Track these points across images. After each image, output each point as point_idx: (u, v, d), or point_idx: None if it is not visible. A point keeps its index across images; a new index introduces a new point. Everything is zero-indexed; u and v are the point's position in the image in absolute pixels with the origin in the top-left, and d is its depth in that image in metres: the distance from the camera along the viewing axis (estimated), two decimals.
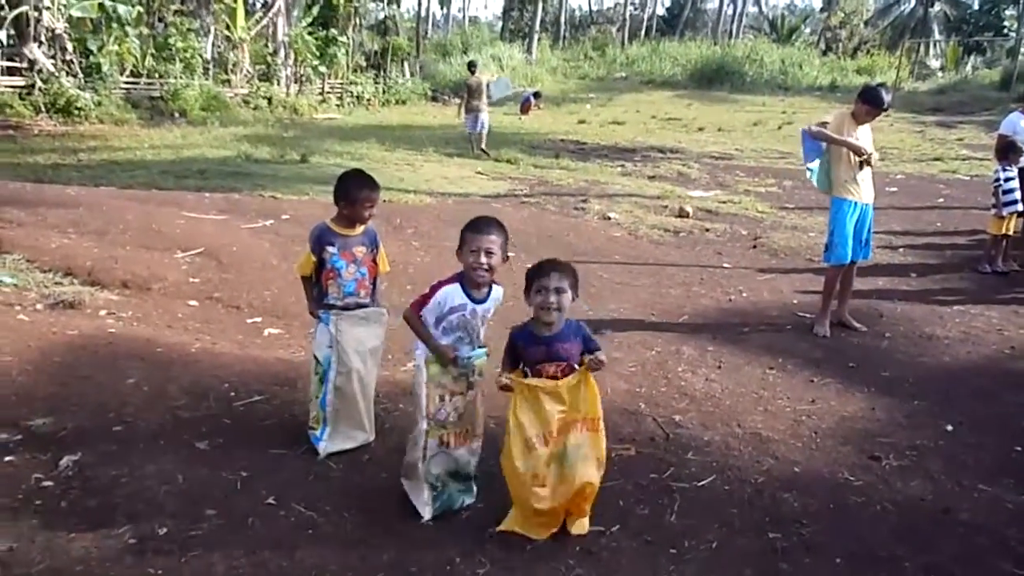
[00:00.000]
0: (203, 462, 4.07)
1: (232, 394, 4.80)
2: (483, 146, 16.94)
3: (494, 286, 3.61)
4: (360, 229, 4.19)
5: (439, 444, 3.66)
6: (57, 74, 18.17)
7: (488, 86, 18.34)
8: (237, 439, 4.31)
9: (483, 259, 3.42)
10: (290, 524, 3.60)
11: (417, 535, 3.53)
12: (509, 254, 3.62)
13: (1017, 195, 8.30)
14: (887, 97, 6.17)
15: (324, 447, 4.17)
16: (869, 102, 6.18)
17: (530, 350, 3.46)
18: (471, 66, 18.10)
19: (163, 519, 3.58)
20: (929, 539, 3.65)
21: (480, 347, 3.67)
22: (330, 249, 4.09)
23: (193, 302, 6.54)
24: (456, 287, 3.56)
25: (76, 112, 17.77)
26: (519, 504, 3.53)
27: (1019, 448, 4.59)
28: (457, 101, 25.07)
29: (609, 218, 10.64)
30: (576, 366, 3.44)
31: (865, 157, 6.16)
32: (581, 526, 3.57)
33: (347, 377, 4.12)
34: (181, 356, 5.24)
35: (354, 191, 4.09)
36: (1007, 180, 8.34)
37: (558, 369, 3.43)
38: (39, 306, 6.00)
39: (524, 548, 3.46)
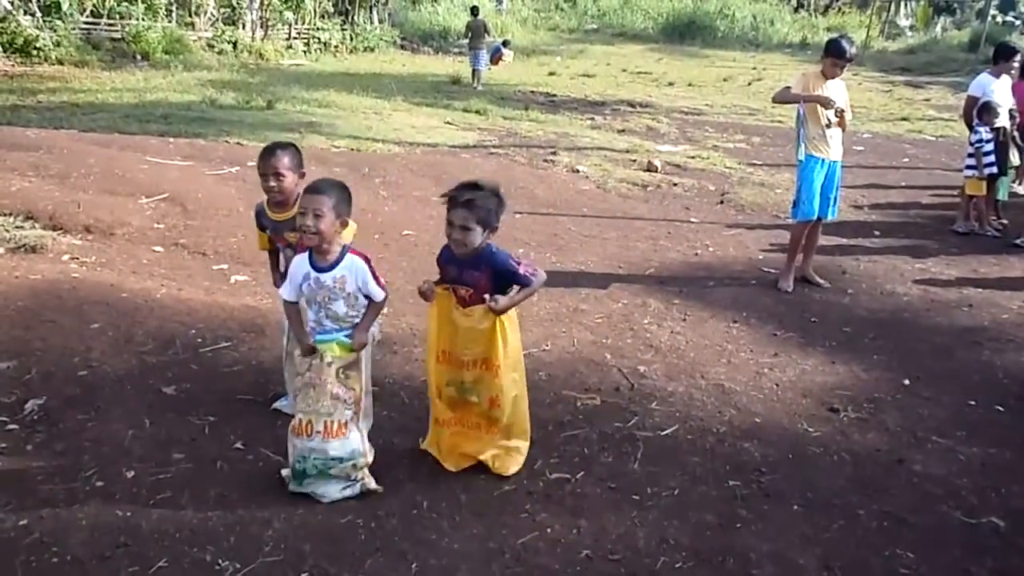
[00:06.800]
0: (170, 407, 4.09)
1: (199, 340, 4.79)
2: (479, 85, 18.62)
3: (348, 255, 3.39)
4: (291, 212, 3.72)
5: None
6: (14, 12, 17.62)
7: (487, 27, 19.59)
8: (204, 385, 4.32)
9: (309, 221, 3.24)
10: (258, 468, 3.63)
11: (385, 480, 3.57)
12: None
13: (993, 157, 8.34)
14: (848, 46, 6.20)
15: (279, 403, 4.11)
16: (831, 53, 6.24)
17: (446, 268, 3.57)
18: (474, 10, 20.25)
19: (130, 462, 3.60)
20: (883, 488, 3.76)
21: (340, 330, 3.44)
22: (267, 232, 3.94)
23: (158, 248, 6.47)
24: (305, 256, 3.42)
25: (35, 52, 17.25)
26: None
27: (972, 403, 4.71)
28: (428, 49, 25.17)
29: (578, 171, 10.62)
30: (486, 296, 3.46)
31: (834, 109, 6.19)
32: (502, 466, 3.68)
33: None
34: (147, 302, 5.21)
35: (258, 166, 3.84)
36: (988, 142, 8.37)
37: (467, 293, 3.51)
38: (0, 250, 5.91)
39: (490, 494, 3.52)
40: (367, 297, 3.46)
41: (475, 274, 3.48)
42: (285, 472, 3.52)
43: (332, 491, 3.44)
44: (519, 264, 3.52)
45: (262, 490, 3.46)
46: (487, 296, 3.46)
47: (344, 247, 3.41)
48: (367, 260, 3.44)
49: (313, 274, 3.38)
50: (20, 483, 3.40)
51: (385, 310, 5.42)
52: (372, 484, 3.52)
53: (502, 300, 3.46)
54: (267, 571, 2.97)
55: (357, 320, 3.46)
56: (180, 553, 3.04)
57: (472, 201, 3.37)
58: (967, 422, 4.47)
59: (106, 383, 4.24)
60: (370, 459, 3.52)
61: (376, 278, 3.44)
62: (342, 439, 3.40)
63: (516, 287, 3.53)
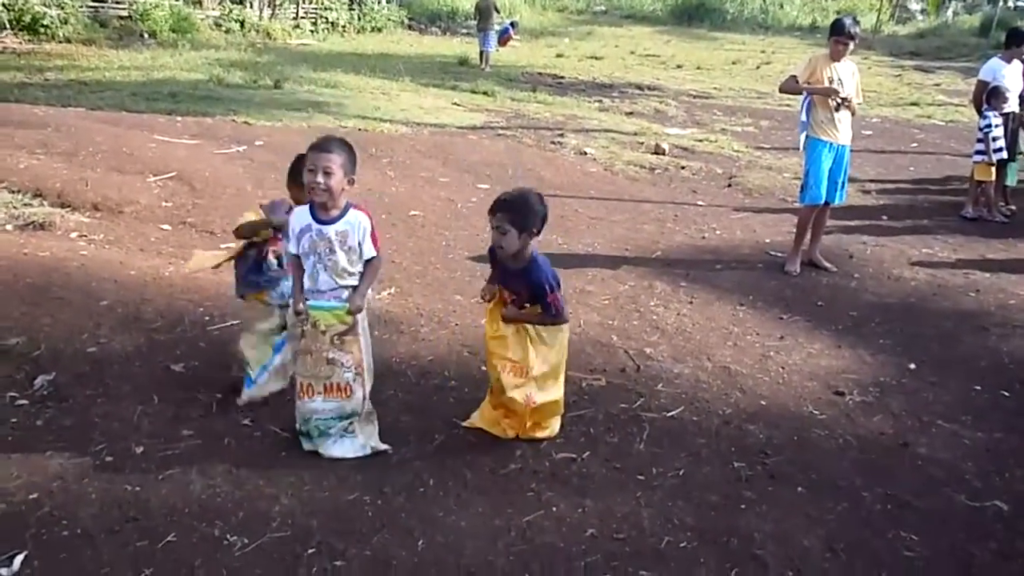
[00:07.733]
0: (178, 384, 4.11)
1: (207, 318, 4.81)
2: (487, 66, 18.75)
3: (352, 210, 3.46)
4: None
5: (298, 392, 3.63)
6: None
7: (496, 7, 19.57)
8: (212, 362, 4.33)
9: (319, 178, 3.32)
10: (266, 445, 3.66)
11: (392, 458, 3.60)
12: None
13: (1002, 142, 8.31)
14: (847, 22, 6.21)
15: (249, 394, 3.95)
16: (832, 31, 6.30)
17: (497, 268, 3.75)
18: None
19: (139, 438, 3.62)
20: (888, 471, 3.77)
21: (336, 288, 3.48)
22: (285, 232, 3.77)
23: (166, 226, 6.49)
24: (305, 208, 3.49)
25: (42, 30, 17.26)
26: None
27: (978, 388, 4.71)
28: (435, 30, 25.21)
29: (585, 153, 10.60)
30: (527, 304, 3.64)
31: (839, 99, 6.17)
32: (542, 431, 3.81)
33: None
34: (155, 279, 5.23)
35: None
36: (997, 127, 8.31)
37: (510, 298, 3.67)
38: (9, 227, 5.93)
39: (496, 473, 3.54)
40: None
41: (517, 285, 3.63)
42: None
43: (343, 450, 3.60)
44: (552, 292, 3.57)
45: (270, 466, 3.48)
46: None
47: (347, 203, 3.49)
48: (369, 217, 3.54)
49: (316, 226, 3.44)
50: (30, 458, 3.42)
51: (392, 289, 5.47)
52: (380, 445, 3.66)
53: (511, 311, 3.63)
54: (275, 546, 3.00)
55: (354, 280, 3.51)
56: (188, 527, 3.06)
57: (508, 203, 3.51)
58: (972, 407, 4.48)
59: (115, 360, 4.26)
60: (372, 418, 3.71)
61: (374, 237, 3.52)
62: (343, 399, 3.56)
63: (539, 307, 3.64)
